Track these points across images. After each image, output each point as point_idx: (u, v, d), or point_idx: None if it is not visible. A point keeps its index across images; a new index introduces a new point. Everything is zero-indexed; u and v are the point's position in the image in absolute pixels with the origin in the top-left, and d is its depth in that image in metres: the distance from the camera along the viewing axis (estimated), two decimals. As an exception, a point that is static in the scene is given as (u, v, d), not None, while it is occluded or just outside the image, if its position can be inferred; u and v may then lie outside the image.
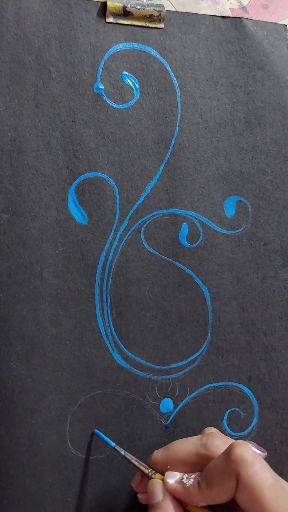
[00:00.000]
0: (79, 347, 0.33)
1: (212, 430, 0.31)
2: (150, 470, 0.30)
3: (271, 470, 0.26)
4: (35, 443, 0.32)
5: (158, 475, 0.29)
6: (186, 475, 0.28)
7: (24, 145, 0.33)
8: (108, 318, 0.34)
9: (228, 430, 0.35)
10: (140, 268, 0.34)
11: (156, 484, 0.28)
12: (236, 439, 0.35)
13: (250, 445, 0.27)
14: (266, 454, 0.28)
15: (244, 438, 0.36)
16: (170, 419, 0.35)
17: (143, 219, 0.35)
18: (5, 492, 0.32)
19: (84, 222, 0.34)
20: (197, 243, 0.35)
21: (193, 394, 0.35)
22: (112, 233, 0.34)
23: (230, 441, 0.28)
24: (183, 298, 0.35)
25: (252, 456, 0.25)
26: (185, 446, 0.29)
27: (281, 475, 0.36)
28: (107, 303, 0.34)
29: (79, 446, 0.33)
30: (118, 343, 0.34)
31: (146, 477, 0.30)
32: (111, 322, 0.34)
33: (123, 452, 0.31)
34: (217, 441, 0.29)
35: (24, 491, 0.32)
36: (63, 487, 0.33)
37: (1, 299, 0.32)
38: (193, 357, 0.35)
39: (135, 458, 0.31)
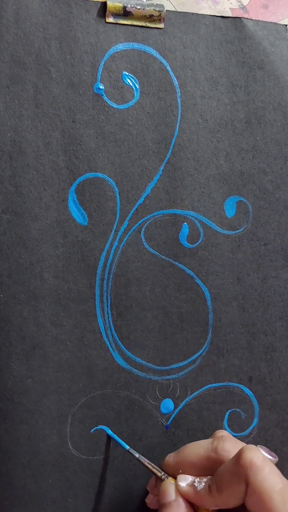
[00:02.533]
0: (80, 347, 0.33)
1: (223, 433, 0.31)
2: (163, 473, 0.30)
3: (281, 475, 0.26)
4: (35, 444, 0.32)
5: (170, 478, 0.30)
6: (198, 479, 0.28)
7: (24, 146, 0.33)
8: (108, 318, 0.34)
9: (228, 430, 0.35)
10: (140, 268, 0.34)
11: (169, 484, 0.29)
12: (236, 439, 0.35)
13: (260, 449, 0.27)
14: (277, 459, 0.28)
15: (245, 438, 0.36)
16: (170, 420, 0.35)
17: (144, 219, 0.35)
18: (6, 492, 0.32)
19: (84, 222, 0.34)
20: (197, 243, 0.35)
21: (193, 395, 0.35)
22: (112, 233, 0.34)
23: (241, 444, 0.28)
24: (183, 298, 0.35)
25: (261, 461, 0.25)
26: (196, 450, 0.29)
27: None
28: (107, 303, 0.34)
29: (80, 446, 0.33)
30: (119, 344, 0.34)
31: (159, 479, 0.30)
32: (111, 323, 0.34)
33: (137, 455, 0.32)
34: (227, 445, 0.29)
35: (25, 492, 0.32)
36: (64, 487, 0.33)
37: (2, 299, 0.32)
38: (193, 357, 0.35)
39: (148, 461, 0.31)
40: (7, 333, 0.32)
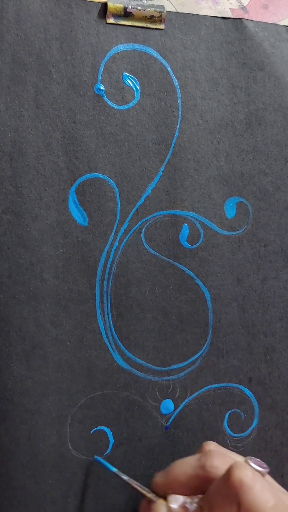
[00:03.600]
0: (80, 348, 0.33)
1: (210, 446, 0.30)
2: (152, 494, 0.30)
3: (272, 489, 0.25)
4: (35, 444, 0.32)
5: (161, 499, 0.29)
6: (190, 499, 0.28)
7: (25, 146, 0.33)
8: (108, 319, 0.34)
9: (228, 431, 0.35)
10: (140, 269, 0.34)
11: (161, 506, 0.28)
12: (236, 440, 0.35)
13: (249, 464, 0.26)
14: (268, 469, 0.27)
15: (245, 439, 0.36)
16: (170, 420, 0.35)
17: (144, 220, 0.35)
18: (5, 493, 0.32)
19: (85, 223, 0.34)
20: (197, 244, 0.35)
21: (193, 395, 0.35)
22: (112, 234, 0.34)
23: (230, 459, 0.28)
24: (183, 299, 0.35)
25: (251, 479, 0.25)
26: (184, 468, 0.29)
27: (281, 476, 0.36)
28: (107, 304, 0.34)
29: (80, 447, 0.33)
30: (119, 344, 0.34)
31: (151, 502, 0.30)
32: (111, 323, 0.34)
33: (125, 478, 0.31)
34: (215, 461, 0.28)
35: (24, 492, 0.32)
36: (63, 488, 0.33)
37: (2, 300, 0.32)
38: (193, 358, 0.35)
39: (136, 483, 0.30)
40: (7, 333, 0.32)
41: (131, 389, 0.34)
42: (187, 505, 0.27)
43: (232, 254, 0.36)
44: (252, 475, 0.25)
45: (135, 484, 0.30)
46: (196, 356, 0.35)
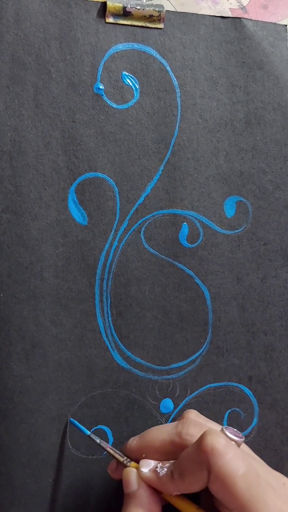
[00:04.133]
0: (79, 347, 0.33)
1: (190, 414, 0.30)
2: (125, 458, 0.29)
3: (245, 458, 0.25)
4: (35, 443, 0.32)
5: (132, 463, 0.29)
6: (160, 464, 0.28)
7: (24, 145, 0.33)
8: (108, 318, 0.34)
9: (228, 430, 0.35)
10: (140, 268, 0.34)
11: (131, 472, 0.28)
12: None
13: (224, 433, 0.26)
14: (243, 439, 0.27)
15: (245, 438, 0.36)
16: (170, 419, 0.35)
17: (143, 219, 0.35)
18: (5, 492, 0.32)
19: (84, 222, 0.34)
20: (197, 243, 0.35)
21: (193, 394, 0.35)
22: (112, 233, 0.34)
23: (206, 428, 0.28)
24: (183, 298, 0.35)
25: (223, 446, 0.25)
26: (160, 435, 0.29)
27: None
28: (107, 303, 0.34)
29: (79, 446, 0.33)
30: (118, 343, 0.34)
31: (122, 465, 0.29)
32: (111, 322, 0.34)
33: (98, 441, 0.31)
34: (192, 430, 0.28)
35: (24, 491, 0.32)
36: (64, 487, 0.33)
37: (2, 299, 0.32)
38: (193, 357, 0.35)
39: (110, 446, 0.30)
40: (7, 332, 0.32)
41: (131, 388, 0.34)
42: (158, 469, 0.27)
43: (231, 253, 0.36)
44: (225, 443, 0.25)
45: (108, 447, 0.30)
46: (196, 355, 0.35)
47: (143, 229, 0.35)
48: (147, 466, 0.28)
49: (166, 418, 0.35)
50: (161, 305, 0.35)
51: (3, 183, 0.32)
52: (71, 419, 0.33)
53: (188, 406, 0.35)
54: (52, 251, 0.33)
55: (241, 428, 0.36)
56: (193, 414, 0.30)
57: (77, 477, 0.33)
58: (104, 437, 0.34)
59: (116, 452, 0.30)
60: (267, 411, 0.36)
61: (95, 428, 0.34)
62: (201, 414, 0.31)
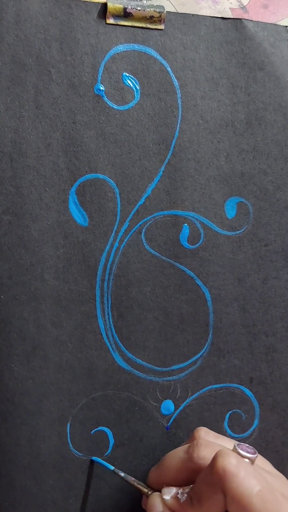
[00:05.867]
0: (80, 348, 0.33)
1: (200, 433, 0.30)
2: (148, 489, 0.30)
3: (258, 475, 0.25)
4: (36, 445, 0.32)
5: (155, 493, 0.29)
6: (181, 490, 0.28)
7: (25, 147, 0.33)
8: (109, 319, 0.34)
9: (229, 431, 0.35)
10: (141, 269, 0.34)
11: (156, 497, 0.28)
12: (237, 440, 0.35)
13: (236, 451, 0.26)
14: (256, 455, 0.27)
15: (246, 439, 0.36)
16: (171, 421, 0.35)
17: (144, 220, 0.35)
18: (6, 494, 0.32)
19: (85, 223, 0.34)
20: (198, 244, 0.35)
21: (194, 396, 0.35)
22: (113, 234, 0.34)
23: (218, 446, 0.28)
24: (184, 299, 0.35)
25: (234, 466, 0.24)
26: (174, 461, 0.29)
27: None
28: (108, 304, 0.34)
29: (80, 448, 0.33)
30: (119, 345, 0.34)
31: (147, 496, 0.30)
32: (112, 324, 0.34)
33: (122, 474, 0.32)
34: (203, 452, 0.28)
35: (25, 493, 0.32)
36: (64, 489, 0.33)
37: (2, 300, 0.32)
38: (194, 358, 0.35)
39: (133, 479, 0.31)
40: (8, 334, 0.32)
41: (131, 390, 0.34)
42: (179, 496, 0.27)
43: (232, 254, 0.36)
44: (237, 463, 0.25)
45: (132, 480, 0.31)
46: (197, 357, 0.35)
47: (143, 230, 0.35)
48: (169, 493, 0.28)
49: (167, 419, 0.35)
50: (162, 306, 0.35)
51: (4, 185, 0.32)
52: (94, 457, 0.33)
53: (189, 407, 0.35)
54: (53, 253, 0.33)
55: (242, 430, 0.36)
56: (203, 433, 0.30)
57: (77, 479, 0.33)
58: (105, 438, 0.34)
59: (139, 484, 0.31)
60: (268, 412, 0.36)
61: (96, 429, 0.33)
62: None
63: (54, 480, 0.33)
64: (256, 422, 0.36)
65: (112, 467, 0.32)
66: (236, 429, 0.36)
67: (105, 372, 0.34)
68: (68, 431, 0.33)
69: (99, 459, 0.33)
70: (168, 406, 0.35)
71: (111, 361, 0.34)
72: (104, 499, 0.34)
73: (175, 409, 0.35)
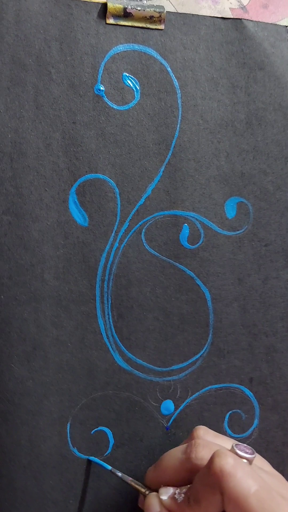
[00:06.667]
0: (80, 348, 0.33)
1: (199, 432, 0.30)
2: (146, 489, 0.30)
3: (255, 475, 0.25)
4: (36, 445, 0.32)
5: (153, 492, 0.29)
6: (178, 490, 0.28)
7: (25, 147, 0.33)
8: (109, 319, 0.34)
9: (229, 431, 0.35)
10: (141, 269, 0.34)
11: (153, 497, 0.28)
12: (237, 440, 0.35)
13: (234, 451, 0.26)
14: (254, 455, 0.27)
15: (246, 439, 0.36)
16: (171, 421, 0.35)
17: (144, 220, 0.35)
18: (6, 494, 0.32)
19: (85, 223, 0.34)
20: (198, 244, 0.35)
21: (194, 396, 0.35)
22: (113, 234, 0.34)
23: (216, 446, 0.28)
24: (184, 299, 0.35)
25: (231, 466, 0.24)
26: (172, 461, 0.29)
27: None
28: (108, 304, 0.34)
29: (81, 448, 0.33)
30: (119, 345, 0.34)
31: (144, 496, 0.30)
32: (112, 324, 0.34)
33: (120, 474, 0.32)
34: (200, 452, 0.28)
35: (25, 494, 0.32)
36: (65, 489, 0.33)
37: (2, 301, 0.32)
38: (194, 358, 0.35)
39: (131, 479, 0.31)
40: (8, 334, 0.32)
41: (132, 390, 0.34)
42: (176, 496, 0.27)
43: (232, 254, 0.36)
44: (234, 463, 0.25)
45: (130, 480, 0.31)
46: (197, 357, 0.35)
47: (143, 230, 0.35)
48: (166, 493, 0.28)
49: (167, 419, 0.35)
50: (162, 306, 0.35)
51: (4, 185, 0.32)
52: (91, 457, 0.33)
53: (189, 407, 0.35)
54: (53, 253, 0.33)
55: (242, 430, 0.36)
56: (202, 432, 0.30)
57: (78, 479, 0.33)
58: (105, 438, 0.34)
59: (137, 484, 0.31)
60: (268, 412, 0.36)
61: (96, 429, 0.33)
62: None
63: (54, 480, 0.33)
64: (256, 422, 0.36)
65: (109, 467, 0.32)
66: (236, 429, 0.36)
67: (105, 372, 0.34)
68: (68, 431, 0.33)
69: (96, 459, 0.33)
70: (168, 406, 0.35)
71: (111, 361, 0.34)
72: (104, 499, 0.34)
73: (175, 409, 0.35)
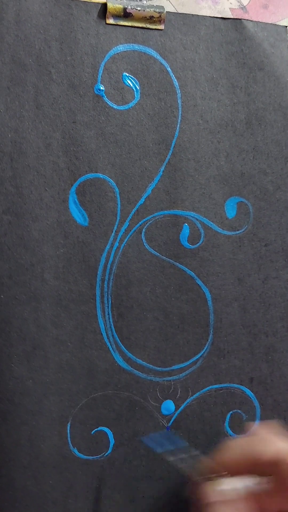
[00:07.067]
0: (80, 348, 0.33)
1: (262, 430, 0.30)
2: (201, 476, 0.29)
3: None
4: (36, 445, 0.32)
5: (211, 482, 0.29)
6: (239, 481, 0.28)
7: (25, 147, 0.33)
8: (109, 319, 0.34)
9: (230, 432, 0.35)
10: (141, 269, 0.34)
11: (212, 486, 0.28)
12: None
13: None
14: None
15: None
16: (171, 421, 0.35)
17: (144, 220, 0.35)
18: (6, 494, 0.32)
19: (85, 223, 0.34)
20: (198, 244, 0.35)
21: (194, 396, 0.35)
22: (113, 234, 0.34)
23: (277, 443, 0.28)
24: (184, 299, 0.35)
25: None
26: (234, 454, 0.29)
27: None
28: (108, 304, 0.34)
29: (80, 448, 0.33)
30: (119, 345, 0.34)
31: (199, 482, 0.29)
32: (112, 324, 0.34)
33: (172, 458, 0.31)
34: (262, 447, 0.28)
35: (25, 493, 0.32)
36: (64, 489, 0.33)
37: (2, 300, 0.32)
38: (194, 358, 0.35)
39: (184, 464, 0.30)
40: (8, 334, 0.32)
41: (132, 390, 0.34)
42: (236, 487, 0.27)
43: (232, 254, 0.36)
44: None
45: (182, 465, 0.30)
46: (197, 357, 0.35)
47: (144, 230, 0.35)
48: (227, 483, 0.28)
49: (167, 419, 0.35)
50: (162, 306, 0.35)
51: (4, 185, 0.32)
52: (142, 438, 0.33)
53: (190, 407, 0.35)
54: (53, 252, 0.33)
55: (243, 430, 0.35)
56: (264, 431, 0.30)
57: (77, 479, 0.33)
58: (105, 438, 0.34)
59: (191, 470, 0.30)
60: (269, 412, 0.36)
61: (96, 429, 0.33)
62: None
63: (54, 480, 0.32)
64: (256, 422, 0.36)
65: (161, 450, 0.32)
66: (237, 430, 0.35)
67: (105, 372, 0.34)
68: (68, 431, 0.33)
69: (148, 440, 0.33)
70: (168, 406, 0.34)
71: (111, 361, 0.34)
72: (103, 499, 0.33)
73: (176, 409, 0.35)
